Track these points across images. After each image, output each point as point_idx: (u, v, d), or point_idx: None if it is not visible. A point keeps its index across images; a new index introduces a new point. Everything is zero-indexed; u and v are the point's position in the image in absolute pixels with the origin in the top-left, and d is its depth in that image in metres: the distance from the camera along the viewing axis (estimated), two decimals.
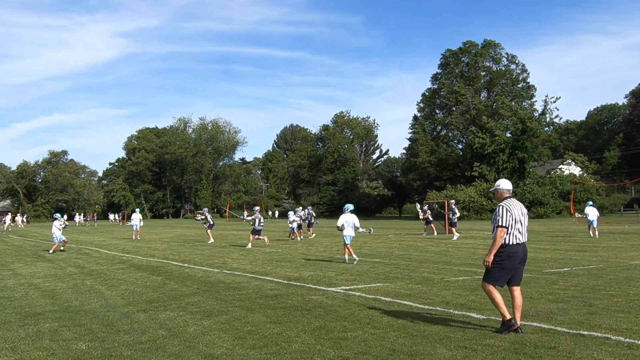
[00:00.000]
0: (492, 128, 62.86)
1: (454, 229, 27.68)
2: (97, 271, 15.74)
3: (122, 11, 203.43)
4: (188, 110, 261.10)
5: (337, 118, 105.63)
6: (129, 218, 75.54)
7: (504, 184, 7.62)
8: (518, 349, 6.32)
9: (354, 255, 16.42)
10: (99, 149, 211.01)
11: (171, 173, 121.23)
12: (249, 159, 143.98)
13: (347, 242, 16.41)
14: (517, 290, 7.34)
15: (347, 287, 11.32)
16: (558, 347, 6.36)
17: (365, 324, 7.79)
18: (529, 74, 71.10)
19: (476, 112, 69.65)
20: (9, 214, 78.29)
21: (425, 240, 26.81)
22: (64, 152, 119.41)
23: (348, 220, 16.46)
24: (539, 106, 69.41)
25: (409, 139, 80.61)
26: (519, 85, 70.80)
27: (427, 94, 75.87)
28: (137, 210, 36.33)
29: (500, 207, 7.35)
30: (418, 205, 34.56)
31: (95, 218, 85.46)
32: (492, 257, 7.23)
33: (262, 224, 23.96)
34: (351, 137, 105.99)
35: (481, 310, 8.57)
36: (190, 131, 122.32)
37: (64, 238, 23.96)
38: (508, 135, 64.51)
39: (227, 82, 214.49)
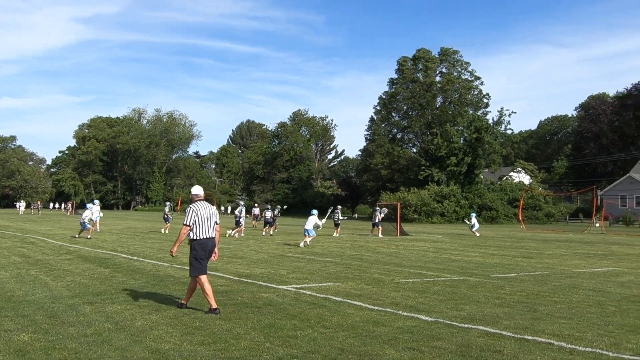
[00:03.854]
0: (450, 134, 63.84)
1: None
2: (43, 261, 15.36)
3: None
4: (145, 101, 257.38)
5: (295, 116, 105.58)
6: (78, 208, 73.81)
7: (194, 190, 8.99)
8: (464, 351, 6.42)
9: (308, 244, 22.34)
10: (49, 136, 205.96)
11: (123, 164, 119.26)
12: (203, 152, 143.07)
13: (310, 234, 22.53)
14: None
15: (298, 286, 11.32)
16: (503, 351, 6.49)
17: (315, 323, 7.80)
18: (482, 82, 72.40)
19: (432, 118, 70.65)
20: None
21: (377, 241, 27.02)
22: (13, 138, 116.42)
23: (310, 219, 23.06)
24: (492, 115, 70.97)
25: (366, 140, 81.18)
26: (475, 92, 72.00)
27: (384, 97, 76.51)
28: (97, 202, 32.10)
29: (189, 208, 8.63)
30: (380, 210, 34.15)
31: (40, 206, 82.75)
32: (175, 249, 8.72)
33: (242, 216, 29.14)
34: (308, 135, 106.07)
35: (430, 312, 8.68)
36: (144, 122, 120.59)
37: (88, 226, 25.00)
38: (462, 141, 65.61)
39: (187, 74, 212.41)
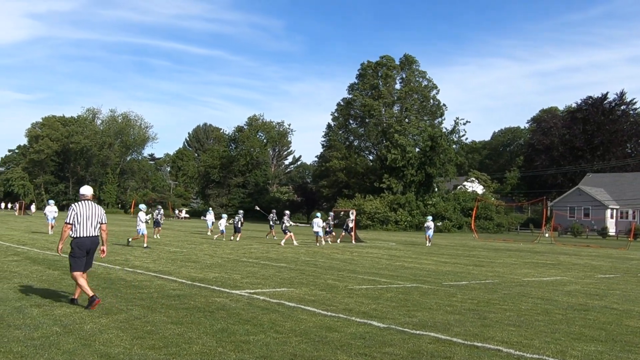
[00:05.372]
0: (404, 144, 64.41)
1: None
2: None
3: None
4: (97, 101, 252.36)
5: (252, 120, 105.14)
6: (27, 208, 71.86)
7: (81, 190, 9.38)
8: (415, 357, 6.49)
9: (322, 242, 27.93)
10: None
11: (75, 164, 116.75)
12: (158, 155, 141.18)
13: (319, 234, 27.89)
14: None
15: (251, 291, 11.27)
16: (453, 357, 6.59)
17: (267, 328, 7.78)
18: (439, 91, 73.52)
19: (387, 125, 71.30)
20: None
21: (331, 247, 27.08)
22: None
23: (315, 221, 28.20)
24: (448, 124, 72.15)
25: (323, 145, 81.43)
26: (432, 102, 73.01)
27: (342, 103, 76.85)
28: (52, 202, 32.68)
29: (70, 207, 9.14)
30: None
31: None
32: (60, 246, 9.15)
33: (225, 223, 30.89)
34: (265, 140, 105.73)
35: (382, 318, 8.75)
36: (99, 122, 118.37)
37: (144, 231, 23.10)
38: (417, 150, 66.31)
39: (141, 75, 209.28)
